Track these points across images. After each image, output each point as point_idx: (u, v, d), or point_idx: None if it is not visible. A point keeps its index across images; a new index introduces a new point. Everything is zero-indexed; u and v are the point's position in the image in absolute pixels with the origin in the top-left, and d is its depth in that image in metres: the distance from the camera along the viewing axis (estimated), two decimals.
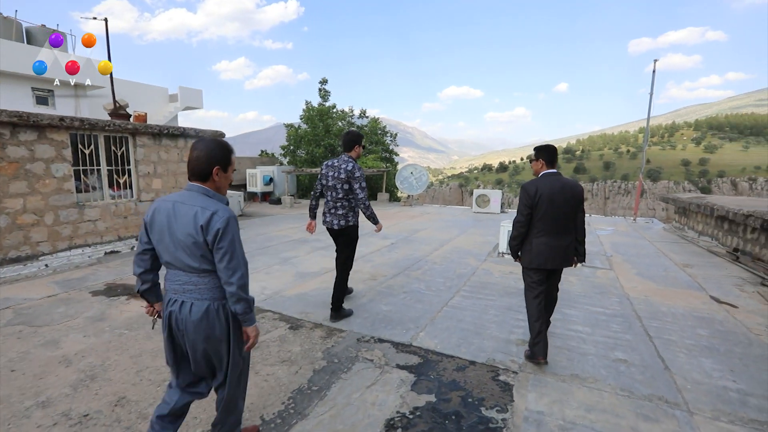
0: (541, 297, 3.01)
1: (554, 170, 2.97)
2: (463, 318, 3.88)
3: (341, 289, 3.86)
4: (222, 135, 8.57)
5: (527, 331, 3.58)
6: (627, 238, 8.41)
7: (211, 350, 1.79)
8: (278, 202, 14.33)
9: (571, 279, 5.20)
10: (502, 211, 12.58)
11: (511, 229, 5.60)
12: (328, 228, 3.89)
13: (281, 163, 17.10)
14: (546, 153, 2.98)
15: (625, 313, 4.08)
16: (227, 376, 1.86)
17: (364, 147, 3.86)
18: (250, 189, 15.47)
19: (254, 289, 4.78)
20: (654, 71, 10.17)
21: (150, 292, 1.90)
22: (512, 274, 5.50)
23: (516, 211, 3.06)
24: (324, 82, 17.54)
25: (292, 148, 17.29)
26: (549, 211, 2.85)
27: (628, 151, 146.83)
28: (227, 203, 1.80)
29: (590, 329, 3.65)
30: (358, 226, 3.88)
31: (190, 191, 1.74)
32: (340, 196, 3.73)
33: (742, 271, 5.66)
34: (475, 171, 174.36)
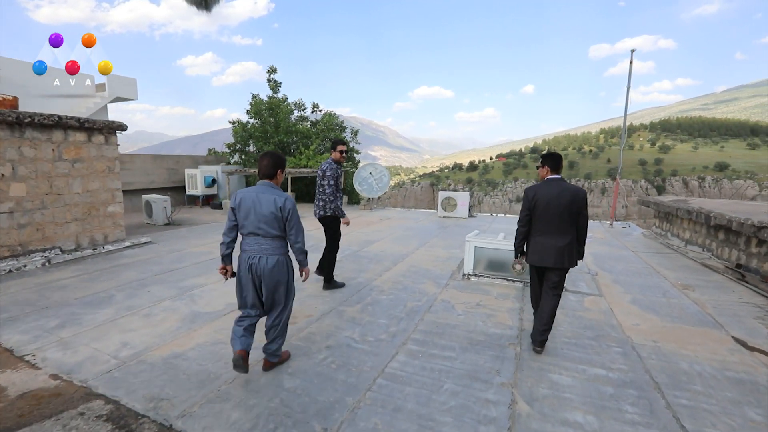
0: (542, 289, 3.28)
1: (558, 176, 3.19)
2: (402, 404, 2.51)
3: (330, 263, 4.62)
4: (123, 127, 6.81)
5: (499, 428, 2.28)
6: (608, 247, 7.40)
7: (278, 288, 2.72)
8: (220, 206, 12.53)
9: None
10: (471, 215, 11.41)
11: (478, 244, 5.10)
12: (316, 216, 4.64)
13: (228, 162, 15.17)
14: (551, 160, 3.23)
15: (637, 377, 2.86)
16: (283, 305, 2.79)
17: (344, 152, 4.59)
18: (189, 192, 13.49)
19: (109, 347, 3.22)
20: (631, 62, 9.30)
21: (229, 257, 2.85)
22: (480, 306, 4.21)
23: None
24: (272, 71, 15.48)
25: (239, 146, 15.30)
26: (545, 214, 3.12)
27: (591, 150, 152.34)
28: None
29: (595, 419, 2.38)
30: (337, 217, 4.57)
31: (264, 185, 2.74)
32: (320, 190, 4.51)
33: (754, 294, 4.65)
34: (446, 170, 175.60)
